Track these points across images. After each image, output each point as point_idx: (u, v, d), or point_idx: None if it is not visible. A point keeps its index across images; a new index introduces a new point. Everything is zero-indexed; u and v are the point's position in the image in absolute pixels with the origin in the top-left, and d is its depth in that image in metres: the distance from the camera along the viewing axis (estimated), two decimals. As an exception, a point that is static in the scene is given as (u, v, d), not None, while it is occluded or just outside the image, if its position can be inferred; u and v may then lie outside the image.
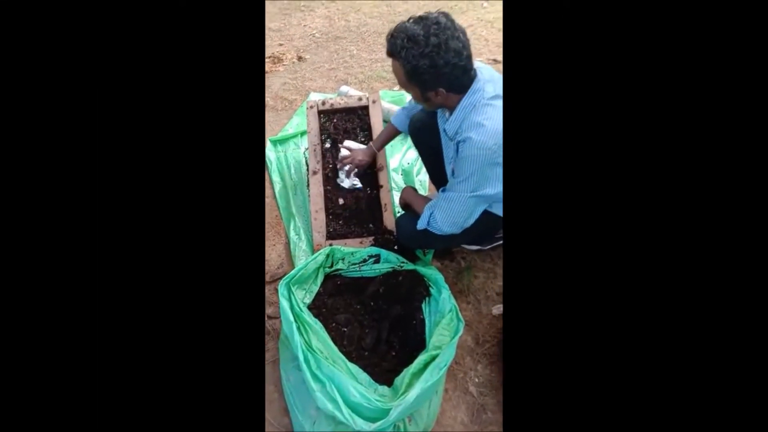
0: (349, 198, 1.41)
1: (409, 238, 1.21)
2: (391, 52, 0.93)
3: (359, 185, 1.41)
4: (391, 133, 1.37)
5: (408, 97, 1.30)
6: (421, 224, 1.09)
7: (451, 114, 1.00)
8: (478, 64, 1.01)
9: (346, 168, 1.39)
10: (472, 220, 1.06)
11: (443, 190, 1.07)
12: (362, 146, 1.44)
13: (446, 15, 0.90)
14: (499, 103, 0.95)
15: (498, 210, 1.13)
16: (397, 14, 2.50)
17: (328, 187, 1.43)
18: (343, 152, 1.42)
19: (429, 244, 1.27)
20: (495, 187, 0.99)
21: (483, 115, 0.93)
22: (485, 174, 0.96)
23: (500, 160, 0.95)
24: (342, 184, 1.42)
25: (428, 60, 0.88)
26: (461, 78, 0.93)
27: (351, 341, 1.11)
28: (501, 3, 2.54)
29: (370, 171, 1.44)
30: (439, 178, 1.32)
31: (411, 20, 0.91)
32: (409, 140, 1.70)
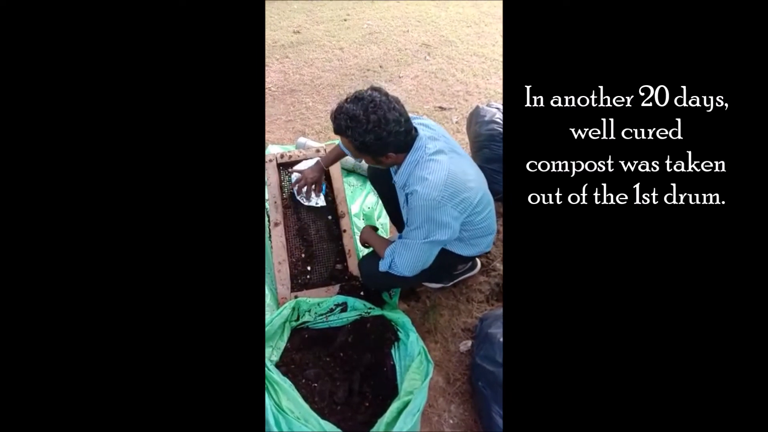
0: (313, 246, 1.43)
1: (372, 278, 1.24)
2: (338, 131, 1.01)
3: (322, 203, 1.41)
4: (340, 154, 1.40)
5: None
6: (383, 267, 1.14)
7: (399, 168, 1.09)
8: (423, 120, 1.11)
9: (304, 190, 1.42)
10: (429, 263, 1.11)
11: (400, 236, 1.13)
12: (311, 162, 1.46)
13: (378, 89, 1.00)
14: (441, 157, 1.05)
15: (455, 248, 1.20)
16: (348, 68, 2.67)
17: (290, 238, 1.44)
18: (295, 176, 1.46)
19: (391, 284, 1.31)
20: (446, 233, 1.05)
21: (426, 170, 1.02)
22: (435, 221, 1.03)
23: (448, 208, 1.02)
24: (304, 203, 1.43)
25: (373, 134, 0.97)
26: (405, 139, 1.03)
27: (323, 396, 1.09)
28: (441, 55, 2.80)
29: (330, 199, 1.49)
30: (398, 220, 1.38)
31: (348, 101, 0.99)
32: (368, 185, 1.77)
